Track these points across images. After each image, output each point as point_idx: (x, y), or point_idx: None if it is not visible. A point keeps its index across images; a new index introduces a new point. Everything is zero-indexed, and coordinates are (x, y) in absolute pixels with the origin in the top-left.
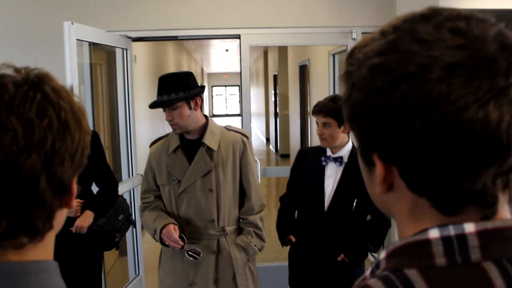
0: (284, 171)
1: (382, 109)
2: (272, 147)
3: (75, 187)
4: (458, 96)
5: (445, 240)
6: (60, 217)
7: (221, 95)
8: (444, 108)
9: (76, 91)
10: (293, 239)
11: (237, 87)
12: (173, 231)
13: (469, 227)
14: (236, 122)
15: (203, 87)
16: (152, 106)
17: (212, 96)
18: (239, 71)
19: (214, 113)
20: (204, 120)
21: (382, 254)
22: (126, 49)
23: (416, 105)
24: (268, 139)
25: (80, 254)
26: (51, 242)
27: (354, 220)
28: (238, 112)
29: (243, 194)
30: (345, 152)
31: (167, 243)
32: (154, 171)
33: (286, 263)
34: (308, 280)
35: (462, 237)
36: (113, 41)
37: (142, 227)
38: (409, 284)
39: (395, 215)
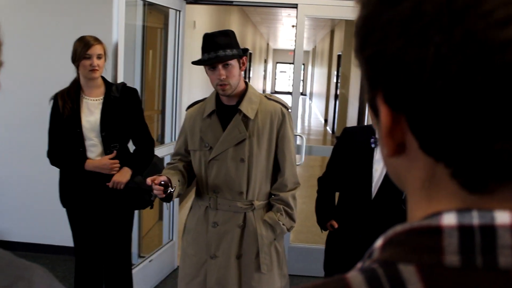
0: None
1: (387, 27)
2: (329, 129)
3: None
4: (495, 4)
5: (464, 230)
6: None
7: (285, 72)
8: (472, 23)
9: (121, 50)
10: (335, 224)
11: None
12: (160, 177)
13: (503, 217)
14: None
15: (247, 49)
16: (208, 62)
17: (275, 72)
18: (305, 49)
19: (276, 89)
20: (244, 85)
21: (379, 242)
22: (180, 11)
23: (431, 19)
24: (326, 120)
25: (115, 210)
26: None
27: (402, 209)
28: (301, 91)
29: (276, 169)
30: None
31: (154, 192)
32: (187, 135)
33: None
34: (346, 268)
35: (489, 230)
36: (165, 0)
37: (183, 195)
38: (399, 285)
39: (407, 189)
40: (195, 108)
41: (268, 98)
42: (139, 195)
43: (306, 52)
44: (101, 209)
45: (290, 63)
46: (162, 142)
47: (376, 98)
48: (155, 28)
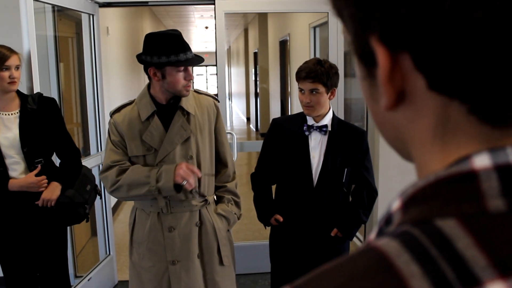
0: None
1: None
2: (252, 126)
3: None
4: None
5: (502, 170)
6: None
7: (202, 75)
8: None
9: (34, 59)
10: (280, 218)
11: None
12: (190, 165)
13: None
14: None
15: None
16: (192, 63)
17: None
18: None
19: None
20: None
21: (395, 204)
22: (93, 15)
23: None
24: (248, 119)
25: (47, 230)
26: None
27: (344, 192)
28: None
29: (217, 161)
30: (328, 120)
31: (184, 182)
32: (125, 140)
33: (265, 242)
34: (295, 258)
35: None
36: (77, 4)
37: (116, 207)
38: (445, 243)
39: (412, 147)
40: (127, 111)
41: (198, 92)
42: (73, 209)
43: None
44: (32, 231)
45: (206, 66)
46: (86, 154)
47: (368, 42)
48: (66, 38)
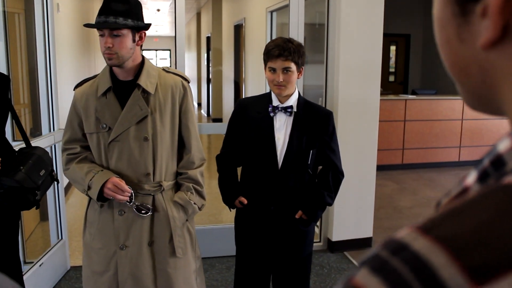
0: (220, 127)
1: None
2: (204, 112)
3: None
4: None
5: None
6: None
7: (151, 59)
8: None
9: None
10: (244, 201)
11: (168, 52)
12: (120, 181)
13: None
14: None
15: (149, 24)
16: (93, 25)
17: None
18: (170, 34)
19: None
20: (141, 59)
21: (504, 144)
22: None
23: None
24: (199, 104)
25: None
26: None
27: (309, 174)
28: None
29: (181, 146)
30: (293, 100)
31: (111, 198)
32: (81, 117)
33: (221, 226)
34: (260, 241)
35: None
36: None
37: (67, 190)
38: None
39: (505, 89)
40: (85, 86)
41: (166, 71)
42: (22, 194)
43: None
44: None
45: (156, 50)
46: (36, 135)
47: None
48: (12, 14)
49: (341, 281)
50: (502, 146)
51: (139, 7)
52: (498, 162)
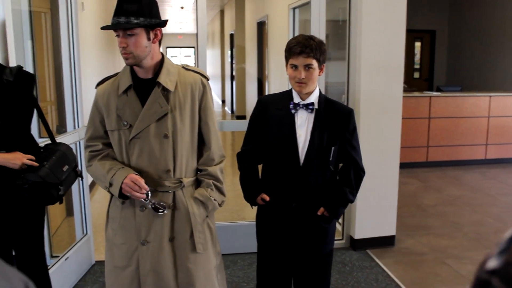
0: (242, 125)
1: None
2: (228, 109)
3: None
4: None
5: None
6: None
7: (175, 56)
8: None
9: (9, 27)
10: (266, 198)
11: (192, 49)
12: (139, 178)
13: None
14: None
15: (166, 20)
16: (108, 27)
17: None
18: (194, 32)
19: None
20: (160, 56)
21: None
22: None
23: None
24: (224, 101)
25: (23, 207)
26: None
27: (331, 171)
28: None
29: (201, 143)
30: (314, 97)
31: (129, 194)
32: (102, 114)
33: (243, 222)
34: (282, 238)
35: None
36: None
37: (92, 186)
38: None
39: None
40: (107, 84)
41: (186, 68)
42: (46, 190)
43: (195, 35)
44: (4, 207)
45: (180, 47)
46: (62, 132)
47: None
48: (39, 13)
49: None
50: None
51: (152, 4)
52: None
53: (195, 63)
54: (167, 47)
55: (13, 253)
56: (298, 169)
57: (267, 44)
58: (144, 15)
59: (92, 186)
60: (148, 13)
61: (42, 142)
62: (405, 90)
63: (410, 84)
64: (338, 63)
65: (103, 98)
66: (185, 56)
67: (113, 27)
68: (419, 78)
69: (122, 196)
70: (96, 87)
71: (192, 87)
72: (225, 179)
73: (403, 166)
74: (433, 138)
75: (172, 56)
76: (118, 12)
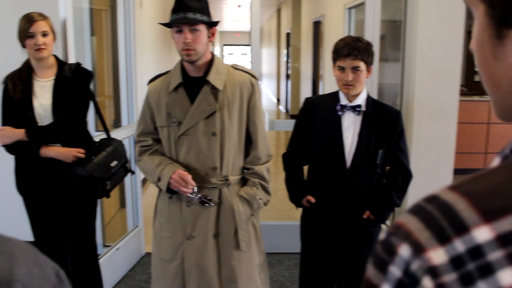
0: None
1: None
2: (282, 108)
3: None
4: None
5: None
6: None
7: (232, 54)
8: None
9: (70, 26)
10: (312, 199)
11: (249, 47)
12: (187, 173)
13: None
14: None
15: (218, 22)
16: (174, 21)
17: (223, 55)
18: (249, 30)
19: None
20: (210, 56)
21: None
22: None
23: None
24: (278, 100)
25: (74, 199)
26: None
27: (378, 174)
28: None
29: (248, 142)
30: (362, 99)
31: (176, 189)
32: (153, 111)
33: (291, 222)
34: (326, 240)
35: None
36: None
37: (145, 180)
38: None
39: None
40: (158, 82)
41: (235, 68)
42: (92, 184)
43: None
44: (60, 198)
45: (237, 45)
46: (117, 126)
47: None
48: (99, 11)
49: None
50: None
51: (208, 5)
52: None
53: (251, 61)
54: (224, 45)
55: (67, 241)
56: (344, 172)
57: (323, 44)
58: (206, 13)
59: (145, 180)
60: (208, 12)
61: (98, 136)
62: (464, 94)
63: (470, 87)
64: (395, 64)
65: (154, 95)
66: (242, 54)
67: (181, 21)
68: (480, 81)
69: (170, 191)
70: (147, 84)
71: (241, 87)
72: (277, 179)
73: (458, 172)
74: (492, 144)
75: (228, 54)
76: (181, 8)
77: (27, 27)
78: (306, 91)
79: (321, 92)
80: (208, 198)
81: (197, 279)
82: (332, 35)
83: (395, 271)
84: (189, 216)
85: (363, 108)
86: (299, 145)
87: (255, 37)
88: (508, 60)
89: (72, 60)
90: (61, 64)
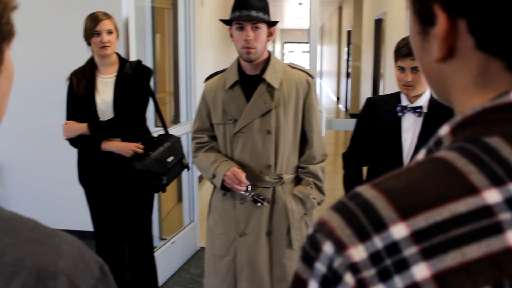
0: (352, 123)
1: None
2: (342, 106)
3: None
4: None
5: None
6: None
7: (292, 52)
8: None
9: (132, 25)
10: None
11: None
12: (241, 172)
13: None
14: None
15: (277, 21)
16: (238, 18)
17: (284, 53)
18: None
19: None
20: (267, 55)
21: (444, 129)
22: None
23: None
24: (338, 98)
25: (132, 192)
26: None
27: None
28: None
29: (303, 141)
30: (424, 100)
31: (229, 186)
32: (209, 108)
33: None
34: None
35: None
36: None
37: (202, 177)
38: (493, 152)
39: (453, 91)
40: (215, 79)
41: (291, 66)
42: (149, 179)
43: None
44: (119, 190)
45: (298, 43)
46: (177, 122)
47: (432, 7)
48: (162, 9)
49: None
50: (442, 131)
51: (269, 5)
52: (438, 142)
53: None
54: (284, 42)
55: (125, 232)
56: None
57: (384, 42)
58: (267, 13)
59: (202, 176)
60: (268, 11)
61: (157, 132)
62: None
63: None
64: None
65: (210, 92)
66: (302, 52)
67: (246, 18)
68: None
69: (224, 187)
70: (204, 82)
71: (297, 85)
72: (335, 178)
73: None
74: None
75: (289, 52)
76: (244, 6)
77: (93, 26)
78: (366, 90)
79: (381, 91)
80: (261, 197)
81: (249, 276)
82: (394, 34)
83: (320, 267)
84: (242, 213)
85: (425, 110)
86: (359, 145)
87: (314, 35)
88: (432, 55)
89: (133, 57)
90: (123, 61)
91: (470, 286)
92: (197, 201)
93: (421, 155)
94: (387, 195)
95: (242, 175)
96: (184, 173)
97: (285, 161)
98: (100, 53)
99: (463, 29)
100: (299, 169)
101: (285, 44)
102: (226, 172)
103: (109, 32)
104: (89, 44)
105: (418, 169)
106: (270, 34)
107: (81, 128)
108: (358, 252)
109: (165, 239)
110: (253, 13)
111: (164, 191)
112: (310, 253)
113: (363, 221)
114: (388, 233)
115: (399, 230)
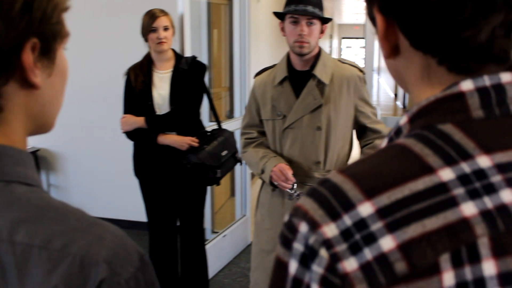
0: None
1: None
2: (399, 103)
3: (28, 59)
4: None
5: (481, 91)
6: (18, 98)
7: (350, 47)
8: None
9: (187, 21)
10: None
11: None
12: (288, 169)
13: (506, 77)
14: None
15: (331, 19)
16: (295, 11)
17: (341, 48)
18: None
19: None
20: (318, 50)
21: (403, 119)
22: None
23: None
24: (396, 95)
25: (186, 185)
26: (15, 130)
27: None
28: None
29: (367, 132)
30: None
31: (276, 183)
32: (259, 104)
33: None
34: None
35: (499, 87)
36: None
37: (253, 173)
38: (446, 137)
39: (408, 84)
40: (265, 75)
41: (342, 62)
42: (204, 172)
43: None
44: (173, 183)
45: (356, 38)
46: (231, 117)
47: (373, 9)
48: (218, 5)
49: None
50: (402, 121)
51: (323, 1)
52: (398, 131)
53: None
54: (342, 38)
55: (178, 224)
56: None
57: None
58: (322, 9)
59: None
60: (322, 8)
61: (210, 126)
62: None
63: None
64: None
65: (259, 88)
66: (361, 47)
67: (302, 12)
68: None
69: (273, 183)
70: (254, 77)
71: (348, 81)
72: None
73: None
74: None
75: (346, 47)
76: (300, 0)
77: (150, 23)
78: None
79: None
80: None
81: None
82: None
83: (298, 246)
84: (290, 209)
85: None
86: None
87: (370, 30)
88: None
89: (188, 53)
90: (178, 57)
91: (431, 254)
92: (249, 196)
93: (384, 143)
94: (353, 179)
95: (289, 172)
96: (237, 168)
97: (335, 157)
98: (156, 48)
99: (398, 29)
100: (363, 147)
101: (343, 40)
102: (274, 168)
103: (166, 29)
104: (146, 40)
105: (380, 155)
106: (322, 31)
107: (138, 121)
108: (330, 230)
109: (217, 232)
110: (310, 8)
111: (218, 184)
112: (288, 236)
113: (333, 202)
114: (356, 212)
115: (365, 208)
